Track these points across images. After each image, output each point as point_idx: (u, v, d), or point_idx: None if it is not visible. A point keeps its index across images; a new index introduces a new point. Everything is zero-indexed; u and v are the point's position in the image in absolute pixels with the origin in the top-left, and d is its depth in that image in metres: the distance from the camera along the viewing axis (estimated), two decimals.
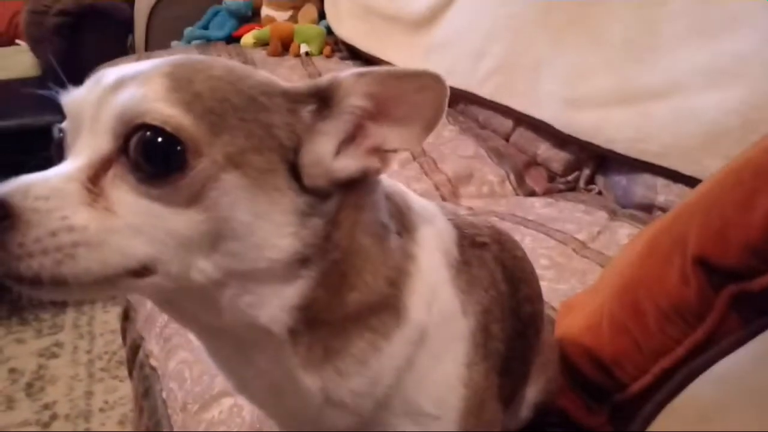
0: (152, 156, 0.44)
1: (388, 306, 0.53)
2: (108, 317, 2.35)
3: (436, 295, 0.56)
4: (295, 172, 0.49)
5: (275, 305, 0.49)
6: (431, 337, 0.55)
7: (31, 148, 2.30)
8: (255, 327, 0.50)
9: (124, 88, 0.46)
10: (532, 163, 1.78)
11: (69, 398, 2.00)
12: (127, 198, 0.45)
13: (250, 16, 2.81)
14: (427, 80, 0.50)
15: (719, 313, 0.65)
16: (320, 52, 2.50)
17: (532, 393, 0.75)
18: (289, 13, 2.71)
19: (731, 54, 1.35)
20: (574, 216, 1.46)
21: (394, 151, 0.52)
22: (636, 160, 1.49)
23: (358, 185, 0.52)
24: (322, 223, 0.49)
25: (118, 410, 1.94)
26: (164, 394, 1.04)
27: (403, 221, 0.56)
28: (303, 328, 0.51)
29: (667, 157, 1.42)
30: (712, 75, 1.37)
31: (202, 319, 0.52)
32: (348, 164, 0.51)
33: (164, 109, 0.44)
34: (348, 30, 2.51)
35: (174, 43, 2.74)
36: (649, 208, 1.49)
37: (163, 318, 1.18)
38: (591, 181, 1.70)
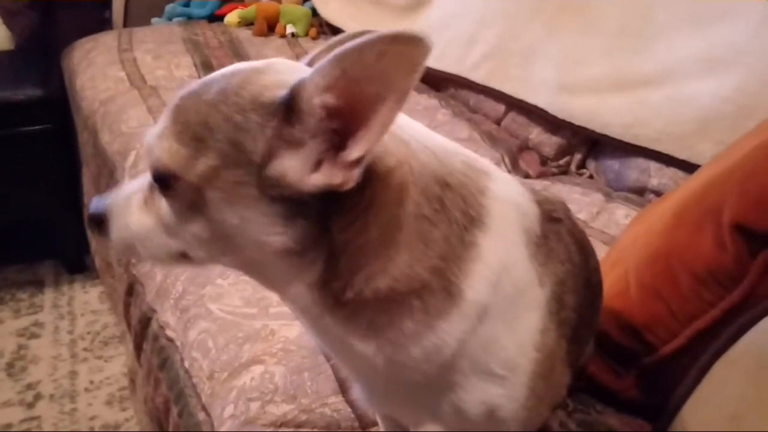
0: (156, 180, 0.58)
1: (433, 290, 0.56)
2: (88, 297, 2.31)
3: (507, 272, 0.58)
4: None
5: (295, 284, 0.57)
6: (499, 311, 0.58)
7: (8, 123, 2.24)
8: (287, 300, 0.61)
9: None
10: (524, 147, 1.82)
11: (53, 378, 1.96)
12: (162, 205, 0.58)
13: None
14: (387, 42, 0.44)
15: (755, 276, 0.69)
16: (306, 34, 2.49)
17: None
18: None
19: (725, 42, 1.41)
20: (572, 197, 1.50)
21: (360, 161, 0.50)
22: (630, 145, 1.55)
23: (353, 194, 0.52)
24: (308, 223, 0.53)
25: (105, 390, 1.92)
26: (186, 364, 1.04)
27: (469, 211, 0.57)
28: (333, 303, 0.56)
29: (662, 142, 1.48)
30: (707, 63, 1.43)
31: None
32: (314, 179, 0.51)
33: (158, 145, 0.56)
34: (334, 12, 2.51)
35: (154, 19, 2.69)
36: (641, 191, 1.54)
37: (177, 289, 1.17)
38: (582, 165, 1.75)
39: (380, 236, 0.54)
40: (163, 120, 0.57)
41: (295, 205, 0.52)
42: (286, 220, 0.52)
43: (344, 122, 0.49)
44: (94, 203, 0.63)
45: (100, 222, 0.62)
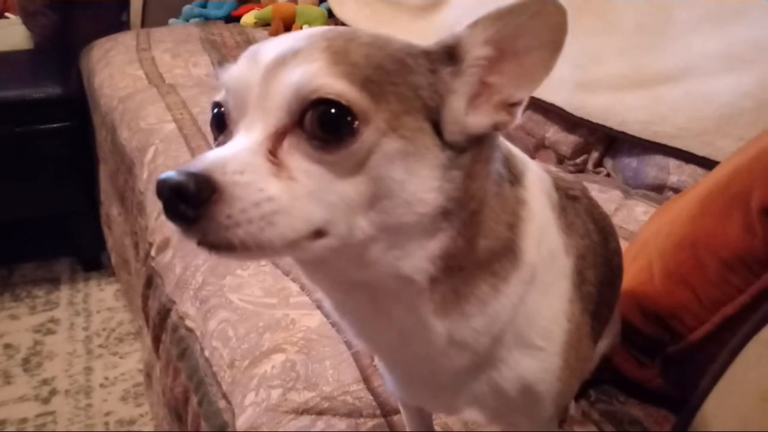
0: (328, 126, 0.47)
1: (507, 250, 0.56)
2: (103, 295, 2.32)
3: (544, 235, 0.59)
4: (436, 128, 0.51)
5: (419, 256, 0.52)
6: (540, 275, 0.58)
7: (27, 121, 2.27)
8: (398, 277, 0.53)
9: (289, 66, 0.48)
10: (541, 145, 1.82)
11: (68, 374, 1.97)
12: (304, 166, 0.48)
13: None
14: (538, 5, 0.51)
15: None
16: None
17: (603, 345, 0.78)
18: None
19: (745, 39, 1.40)
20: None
21: (521, 103, 0.53)
22: (649, 142, 1.53)
23: (487, 138, 0.54)
24: (461, 175, 0.52)
25: (120, 386, 1.93)
26: (207, 353, 1.04)
27: (512, 168, 0.58)
28: (442, 276, 0.54)
29: (681, 139, 1.47)
30: (726, 59, 1.42)
31: (349, 275, 0.54)
32: (480, 120, 0.53)
33: (334, 84, 0.47)
34: (349, 13, 2.52)
35: (172, 20, 2.72)
36: (660, 189, 1.53)
37: (196, 281, 1.18)
38: (599, 163, 1.74)
39: (490, 193, 0.55)
40: (309, 59, 0.48)
41: (454, 154, 0.51)
42: (444, 171, 0.50)
43: (499, 71, 0.53)
44: (174, 177, 0.44)
45: (200, 200, 0.44)
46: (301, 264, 0.57)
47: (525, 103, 0.53)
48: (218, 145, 0.51)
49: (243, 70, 0.50)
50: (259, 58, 0.50)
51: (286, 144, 0.48)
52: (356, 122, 0.47)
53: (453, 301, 0.55)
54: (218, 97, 0.53)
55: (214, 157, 0.46)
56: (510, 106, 0.53)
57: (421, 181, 0.50)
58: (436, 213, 0.51)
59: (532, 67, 0.52)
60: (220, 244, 0.46)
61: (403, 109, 0.49)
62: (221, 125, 0.52)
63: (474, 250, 0.54)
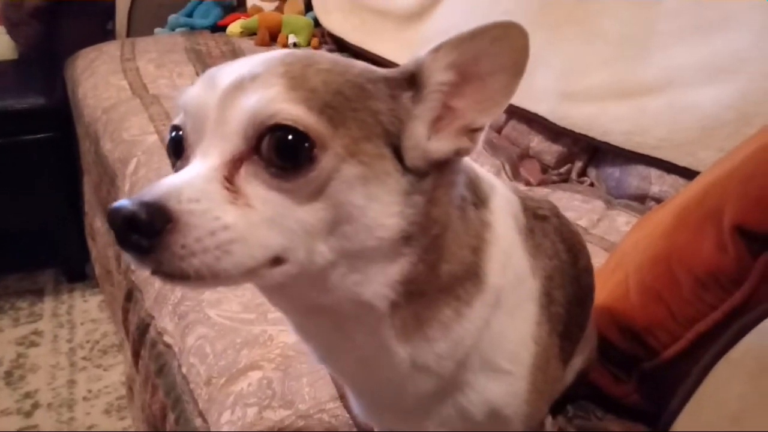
0: (284, 153, 0.47)
1: (470, 274, 0.56)
2: (88, 306, 2.31)
3: (510, 258, 0.59)
4: (397, 154, 0.51)
5: (379, 282, 0.52)
6: (506, 298, 0.58)
7: (11, 131, 2.25)
8: (358, 303, 0.52)
9: (246, 91, 0.48)
10: (525, 155, 1.82)
11: (51, 387, 1.95)
12: (261, 193, 0.47)
13: (234, 6, 2.79)
14: (500, 29, 0.50)
15: (757, 278, 0.68)
16: (308, 44, 2.51)
17: (578, 361, 0.78)
18: (276, 3, 2.71)
19: (727, 51, 1.41)
20: (573, 204, 1.50)
21: (482, 128, 0.53)
22: (631, 152, 1.54)
23: (450, 163, 0.54)
24: (422, 200, 0.51)
25: (103, 399, 1.91)
26: (184, 370, 1.03)
27: (477, 191, 0.58)
28: (403, 301, 0.53)
29: (663, 150, 1.47)
30: (708, 71, 1.42)
31: (310, 300, 0.54)
32: (442, 146, 0.52)
33: (291, 109, 0.47)
34: (336, 23, 2.52)
35: (157, 30, 2.71)
36: (642, 199, 1.53)
37: (175, 296, 1.17)
38: (583, 173, 1.75)
39: (453, 217, 0.54)
40: (266, 84, 0.47)
41: (415, 179, 0.51)
42: (405, 196, 0.50)
43: (462, 95, 0.53)
44: (127, 207, 0.44)
45: (154, 230, 0.43)
46: (260, 288, 0.56)
47: (486, 130, 0.53)
48: (176, 170, 0.51)
49: (200, 93, 0.50)
50: (216, 82, 0.49)
51: (244, 171, 0.47)
52: (314, 149, 0.47)
53: (414, 326, 0.54)
54: (176, 120, 0.52)
55: (169, 185, 0.45)
56: (472, 132, 0.53)
57: (382, 207, 0.49)
58: (397, 238, 0.51)
59: (494, 92, 0.52)
60: (174, 274, 0.45)
61: (362, 135, 0.49)
62: (179, 150, 0.52)
63: (436, 275, 0.54)
